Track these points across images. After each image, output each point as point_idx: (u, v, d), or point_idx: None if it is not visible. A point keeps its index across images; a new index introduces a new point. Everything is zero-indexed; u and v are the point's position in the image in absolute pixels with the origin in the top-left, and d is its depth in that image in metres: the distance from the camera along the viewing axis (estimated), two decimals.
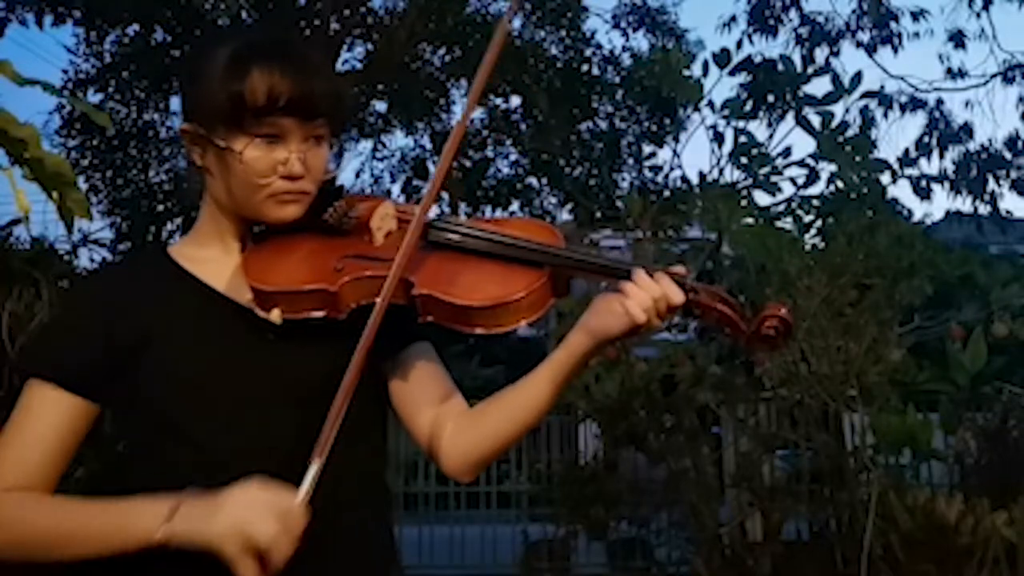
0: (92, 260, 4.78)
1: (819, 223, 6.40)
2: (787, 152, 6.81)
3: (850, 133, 6.59)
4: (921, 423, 4.63)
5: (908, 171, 7.16)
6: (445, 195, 9.58)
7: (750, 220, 5.81)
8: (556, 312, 4.92)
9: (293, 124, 1.18)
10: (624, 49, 10.20)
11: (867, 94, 7.43)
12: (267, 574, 1.03)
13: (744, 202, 6.27)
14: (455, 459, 1.24)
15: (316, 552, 1.12)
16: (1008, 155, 9.30)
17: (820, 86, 12.94)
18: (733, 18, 10.08)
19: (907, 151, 7.26)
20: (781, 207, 6.66)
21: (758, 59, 7.30)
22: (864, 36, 9.95)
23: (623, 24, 10.21)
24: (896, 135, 36.33)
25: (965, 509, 4.23)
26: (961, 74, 10.52)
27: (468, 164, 10.21)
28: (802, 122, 6.70)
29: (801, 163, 6.76)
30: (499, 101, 10.18)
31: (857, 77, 6.78)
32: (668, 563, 5.71)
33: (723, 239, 5.92)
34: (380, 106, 10.60)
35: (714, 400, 5.17)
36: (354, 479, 1.20)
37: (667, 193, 7.88)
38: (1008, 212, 9.47)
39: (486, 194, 10.12)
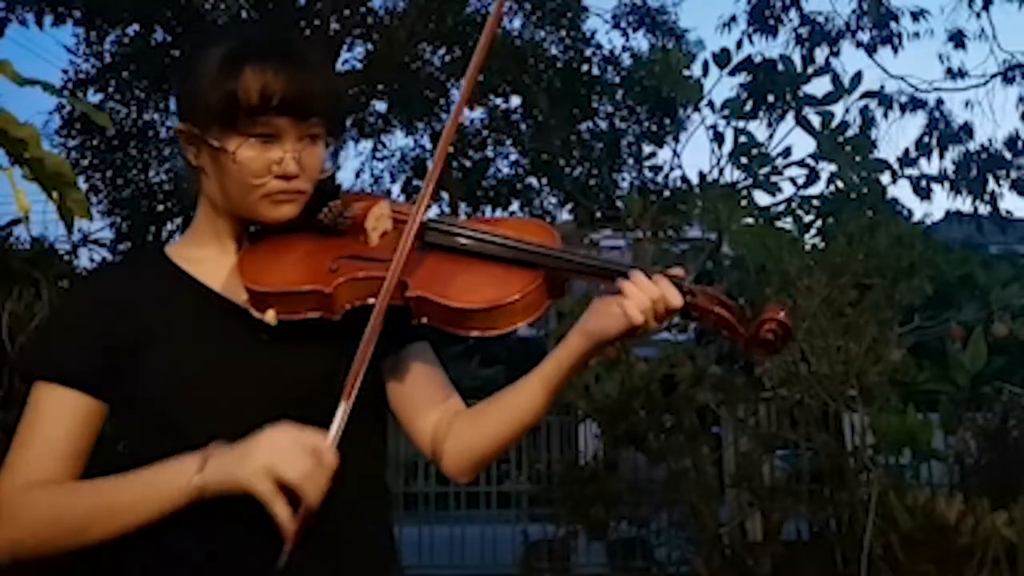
0: (92, 260, 4.79)
1: (819, 223, 6.40)
2: (787, 152, 6.81)
3: (850, 133, 6.58)
4: (921, 423, 4.63)
5: (908, 171, 7.15)
6: (445, 195, 9.59)
7: (750, 220, 5.80)
8: (556, 312, 4.92)
9: (287, 123, 1.17)
10: (624, 49, 10.23)
11: (867, 94, 7.43)
12: (300, 513, 1.03)
13: (744, 202, 6.27)
14: (454, 460, 1.24)
15: (317, 554, 1.12)
16: (1008, 155, 9.31)
17: (820, 86, 12.95)
18: (733, 18, 10.11)
19: (907, 151, 7.26)
20: (781, 207, 6.66)
21: (758, 59, 7.30)
22: (864, 36, 9.97)
23: (623, 24, 10.22)
24: (896, 135, 36.38)
25: (965, 509, 4.23)
26: (961, 74, 10.54)
27: (468, 164, 10.21)
28: (802, 122, 6.70)
29: (801, 163, 6.76)
30: (499, 101, 10.19)
31: (857, 77, 6.77)
32: (668, 563, 5.71)
33: (723, 239, 5.91)
34: (380, 106, 10.61)
35: (714, 400, 5.17)
36: (355, 481, 1.19)
37: (667, 193, 7.88)
38: (1008, 212, 9.50)
39: (486, 194, 10.13)
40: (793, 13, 9.99)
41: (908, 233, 5.27)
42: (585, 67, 10.16)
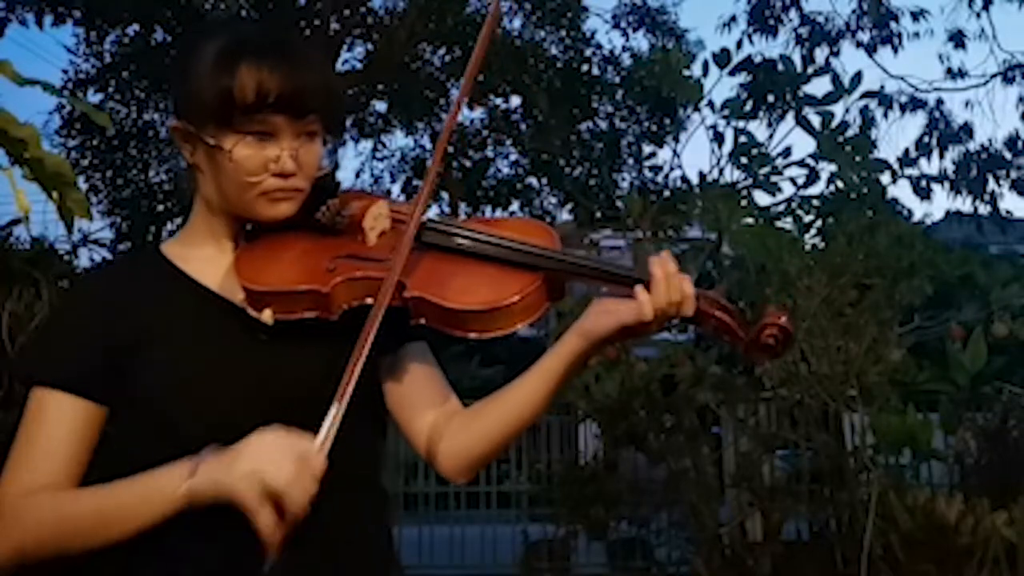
0: (92, 260, 4.78)
1: (819, 223, 6.39)
2: (787, 152, 6.80)
3: (850, 133, 6.58)
4: (921, 423, 4.63)
5: (908, 171, 7.15)
6: (445, 195, 9.59)
7: (750, 220, 5.80)
8: (556, 312, 4.92)
9: (284, 121, 1.16)
10: (624, 49, 10.22)
11: (867, 94, 7.42)
12: (285, 521, 1.01)
13: (744, 202, 6.26)
14: (451, 460, 1.23)
15: (318, 554, 1.12)
16: (1008, 155, 9.31)
17: (820, 86, 12.95)
18: (733, 18, 10.11)
19: (907, 151, 7.25)
20: (781, 207, 6.66)
21: (758, 59, 7.29)
22: (864, 36, 9.97)
23: (623, 24, 10.22)
24: (896, 135, 36.39)
25: (965, 509, 4.23)
26: (961, 74, 10.54)
27: (468, 164, 10.22)
28: (802, 122, 6.69)
29: (801, 163, 6.75)
30: (499, 101, 10.19)
31: (857, 77, 6.77)
32: (668, 563, 5.71)
33: (723, 239, 5.91)
34: (380, 106, 10.61)
35: (714, 400, 5.17)
36: (354, 481, 1.19)
37: (667, 193, 7.88)
38: (1008, 212, 9.50)
39: (486, 194, 10.14)
40: (793, 13, 9.99)
41: (908, 233, 5.27)
42: (585, 67, 10.15)
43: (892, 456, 4.92)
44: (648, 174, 9.67)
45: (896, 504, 4.29)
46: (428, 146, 10.64)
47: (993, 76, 10.48)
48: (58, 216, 1.65)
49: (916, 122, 27.66)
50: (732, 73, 6.93)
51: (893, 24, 9.91)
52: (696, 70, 6.73)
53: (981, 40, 10.46)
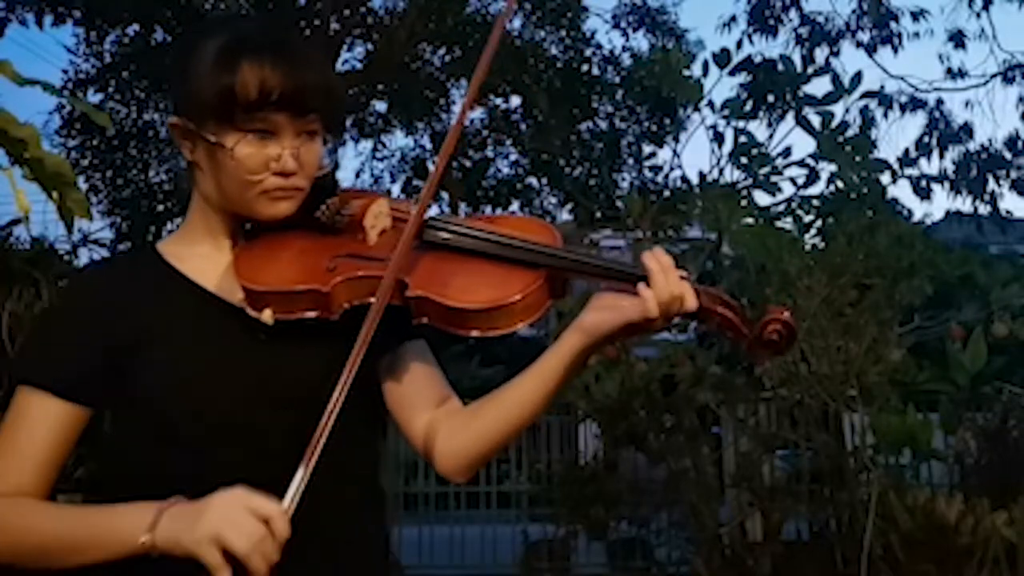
0: (92, 260, 4.78)
1: (819, 223, 6.40)
2: (787, 152, 6.81)
3: (850, 133, 6.58)
4: (921, 423, 4.63)
5: (908, 171, 7.16)
6: (445, 195, 9.59)
7: (750, 220, 5.80)
8: (556, 312, 4.91)
9: (285, 119, 1.15)
10: (624, 49, 10.23)
11: (867, 94, 7.43)
12: None
13: (744, 202, 6.27)
14: (449, 459, 1.22)
15: (316, 555, 1.12)
16: (1008, 155, 9.31)
17: (820, 86, 12.95)
18: (733, 18, 10.11)
19: (907, 151, 7.26)
20: (781, 207, 6.66)
21: (758, 59, 7.30)
22: (864, 36, 9.97)
23: (623, 24, 10.22)
24: (896, 135, 36.38)
25: (965, 509, 4.23)
26: (961, 74, 10.54)
27: (468, 164, 10.22)
28: (802, 122, 6.70)
29: (801, 163, 6.76)
30: (499, 101, 10.19)
31: (857, 77, 6.78)
32: (668, 563, 5.71)
33: (723, 239, 5.91)
34: (380, 106, 10.61)
35: (714, 400, 5.17)
36: (352, 483, 1.19)
37: (667, 193, 7.87)
38: (1008, 212, 9.50)
39: (486, 194, 10.14)
40: (793, 13, 9.99)
41: (908, 233, 5.27)
42: (585, 67, 10.16)
43: (892, 456, 4.92)
44: (648, 174, 9.67)
45: (896, 504, 4.29)
46: (428, 146, 10.65)
47: (993, 76, 10.49)
48: (58, 216, 1.64)
49: (916, 122, 27.66)
50: (732, 73, 6.94)
51: (893, 24, 9.92)
52: (696, 70, 6.75)
53: (981, 40, 10.47)
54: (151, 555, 1.03)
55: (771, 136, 7.04)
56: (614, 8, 10.73)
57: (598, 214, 9.14)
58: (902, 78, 10.87)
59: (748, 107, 6.93)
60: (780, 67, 7.01)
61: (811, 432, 5.15)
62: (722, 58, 6.77)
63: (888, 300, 4.70)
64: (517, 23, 9.96)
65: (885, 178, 6.72)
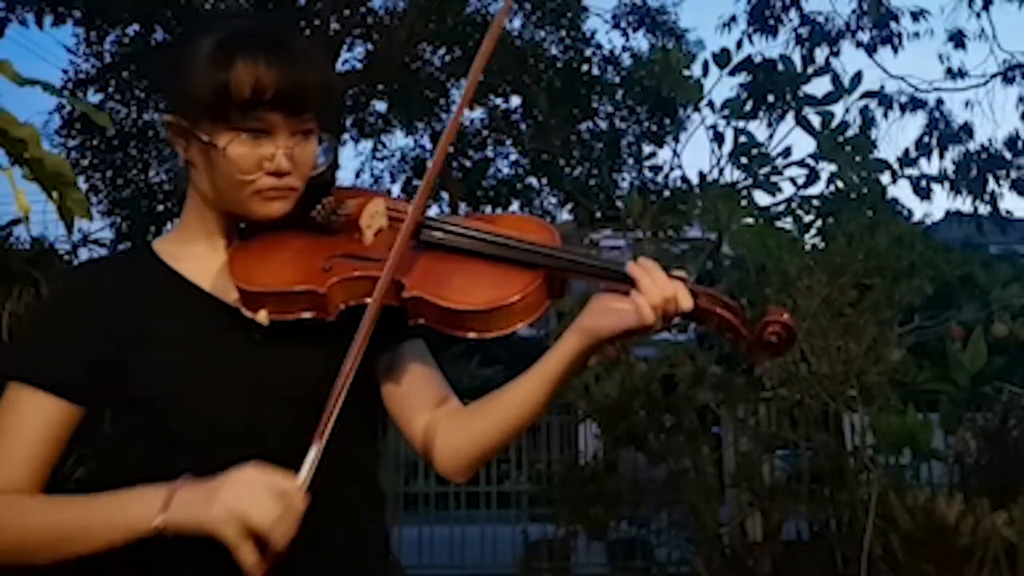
0: (90, 259, 4.78)
1: (819, 223, 6.40)
2: (787, 152, 6.80)
3: (850, 133, 6.58)
4: (921, 423, 4.63)
5: (908, 171, 7.15)
6: (445, 195, 9.59)
7: (750, 220, 5.80)
8: (556, 312, 4.91)
9: (280, 118, 1.13)
10: (624, 49, 10.24)
11: (867, 94, 7.42)
12: (268, 558, 1.00)
13: (744, 202, 6.26)
14: (448, 459, 1.21)
15: (316, 555, 1.11)
16: (1008, 155, 9.31)
17: (820, 86, 12.96)
18: (733, 18, 10.11)
19: (907, 151, 7.26)
20: (781, 207, 6.66)
21: (758, 59, 7.29)
22: (864, 36, 9.98)
23: (623, 24, 10.23)
24: (896, 135, 36.39)
25: (965, 509, 4.23)
26: (961, 74, 10.54)
27: (468, 164, 10.22)
28: (802, 122, 6.69)
29: (801, 163, 6.75)
30: (499, 101, 10.20)
31: (857, 77, 6.77)
32: (668, 563, 5.71)
33: (723, 239, 5.91)
34: (380, 106, 10.61)
35: (714, 400, 5.17)
36: (352, 483, 1.18)
37: (667, 193, 7.87)
38: (1008, 212, 9.50)
39: (486, 194, 10.15)
40: (793, 13, 10.00)
41: (908, 233, 5.27)
42: (585, 67, 10.16)
43: (892, 456, 4.92)
44: (648, 174, 9.68)
45: (896, 504, 4.29)
46: (428, 146, 10.65)
47: (993, 76, 10.49)
48: (58, 216, 1.64)
49: (916, 122, 27.69)
50: (732, 73, 6.93)
51: (893, 24, 9.92)
52: (696, 70, 6.74)
53: (981, 40, 10.48)
54: (158, 541, 1.02)
55: (771, 136, 7.04)
56: (614, 8, 10.75)
57: (598, 214, 9.15)
58: (902, 78, 10.90)
59: (748, 107, 6.92)
60: (780, 67, 7.00)
61: (811, 432, 5.15)
62: (722, 58, 6.77)
63: (888, 300, 4.70)
64: (517, 23, 9.97)
65: (885, 178, 6.72)
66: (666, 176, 8.65)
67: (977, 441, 5.26)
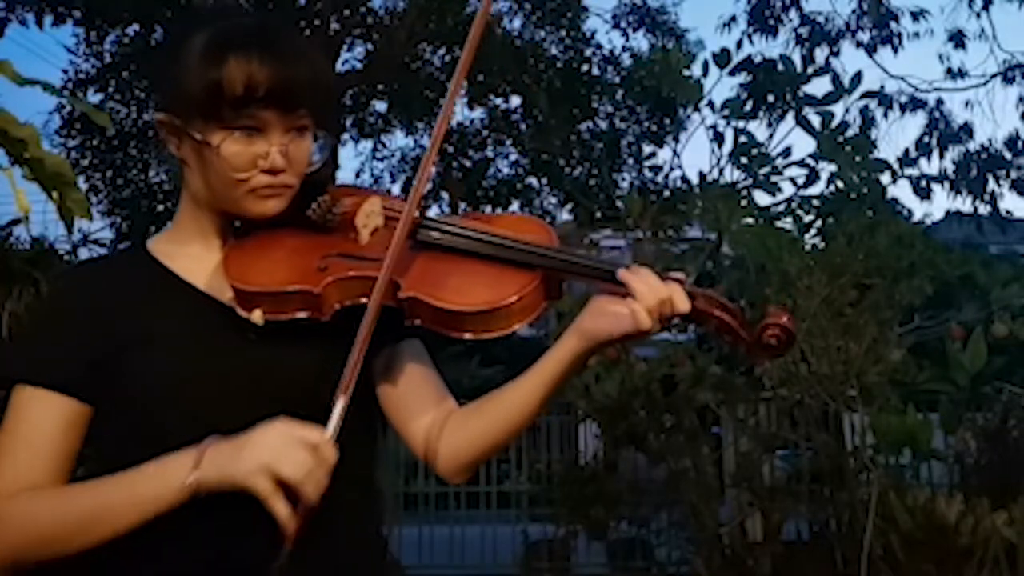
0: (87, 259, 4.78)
1: (819, 223, 6.40)
2: (787, 152, 6.80)
3: (850, 133, 6.58)
4: (921, 423, 4.63)
5: (908, 171, 7.15)
6: (445, 195, 9.59)
7: (750, 220, 5.80)
8: (556, 312, 4.92)
9: (273, 115, 1.12)
10: (624, 49, 10.25)
11: (867, 94, 7.43)
12: (300, 511, 1.00)
13: (744, 202, 6.26)
14: (447, 460, 1.20)
15: (317, 556, 1.11)
16: (1008, 155, 9.32)
17: (820, 86, 12.97)
18: (733, 18, 10.12)
19: (907, 151, 7.26)
20: (781, 207, 6.66)
21: (758, 59, 7.30)
22: (864, 36, 9.99)
23: (623, 24, 10.24)
24: (896, 135, 36.43)
25: (965, 509, 4.23)
26: (961, 74, 10.55)
27: (468, 164, 10.23)
28: (802, 122, 6.69)
29: (801, 163, 6.75)
30: (499, 101, 10.20)
31: (857, 77, 6.77)
32: (668, 563, 5.71)
33: (723, 239, 5.91)
34: (380, 106, 10.62)
35: (714, 400, 5.17)
36: (351, 483, 1.17)
37: (667, 193, 7.88)
38: (1008, 212, 9.52)
39: (486, 194, 10.15)
40: (793, 13, 10.01)
41: (908, 233, 5.27)
42: (585, 67, 10.17)
43: (892, 456, 4.92)
44: (648, 174, 9.69)
45: (896, 504, 4.29)
46: (428, 146, 10.66)
47: (993, 76, 10.50)
48: (58, 216, 1.64)
49: (916, 122, 27.72)
50: (732, 73, 6.93)
51: (893, 24, 9.94)
52: (696, 70, 6.74)
53: (981, 40, 10.49)
54: (165, 526, 1.03)
55: (771, 136, 7.04)
56: (614, 8, 10.76)
57: (598, 214, 9.15)
58: (902, 78, 10.93)
59: (748, 107, 6.92)
60: (780, 67, 7.00)
61: (811, 432, 5.15)
62: (722, 58, 6.77)
63: (888, 300, 4.70)
64: (517, 23, 9.98)
65: (885, 178, 6.72)
66: (666, 176, 8.67)
67: (977, 441, 5.27)
